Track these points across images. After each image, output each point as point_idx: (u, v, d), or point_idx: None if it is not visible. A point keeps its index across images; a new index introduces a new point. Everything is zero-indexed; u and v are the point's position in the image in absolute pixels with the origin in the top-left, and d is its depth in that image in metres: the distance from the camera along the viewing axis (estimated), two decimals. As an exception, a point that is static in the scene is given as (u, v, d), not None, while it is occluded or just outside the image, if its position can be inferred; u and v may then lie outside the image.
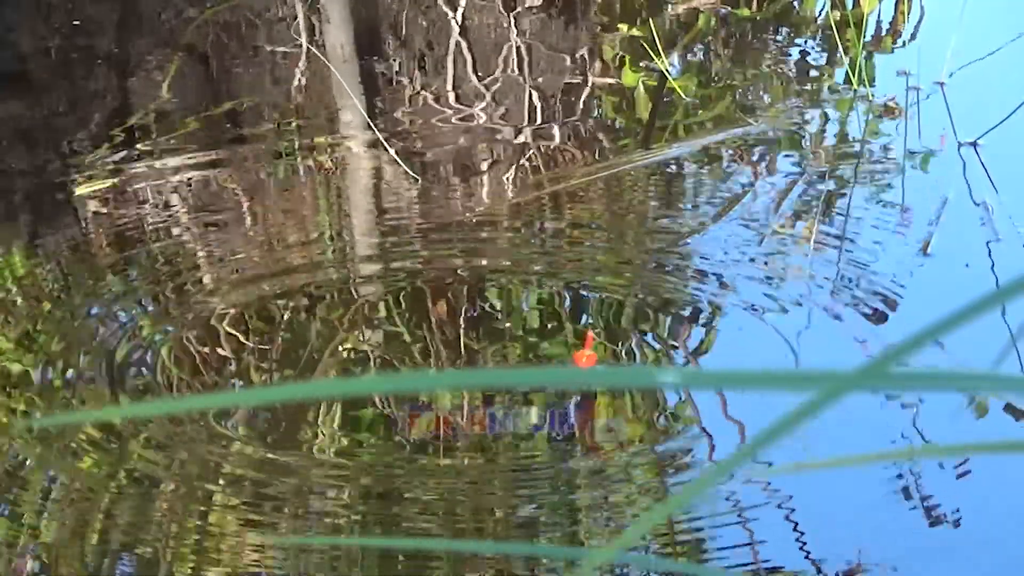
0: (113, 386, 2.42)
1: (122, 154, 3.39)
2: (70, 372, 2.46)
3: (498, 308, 2.70)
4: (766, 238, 2.93)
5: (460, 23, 4.39)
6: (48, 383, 2.43)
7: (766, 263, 2.83)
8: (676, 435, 2.29)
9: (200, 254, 2.92)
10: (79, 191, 3.14)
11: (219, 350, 2.54)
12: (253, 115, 3.69)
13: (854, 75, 3.71)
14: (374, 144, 3.47)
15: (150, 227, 3.04)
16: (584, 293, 2.75)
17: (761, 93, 3.83)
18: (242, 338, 2.58)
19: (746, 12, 4.46)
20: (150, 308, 2.71)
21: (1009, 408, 2.30)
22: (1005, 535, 2.03)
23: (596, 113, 3.70)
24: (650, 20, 4.18)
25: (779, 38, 4.36)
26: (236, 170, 3.33)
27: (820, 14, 4.48)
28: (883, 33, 4.25)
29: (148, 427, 2.28)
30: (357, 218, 3.10)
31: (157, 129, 3.57)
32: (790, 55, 4.19)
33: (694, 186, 3.25)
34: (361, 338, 2.59)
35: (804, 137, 3.49)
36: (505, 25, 4.37)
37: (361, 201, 3.18)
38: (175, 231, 3.03)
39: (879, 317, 2.61)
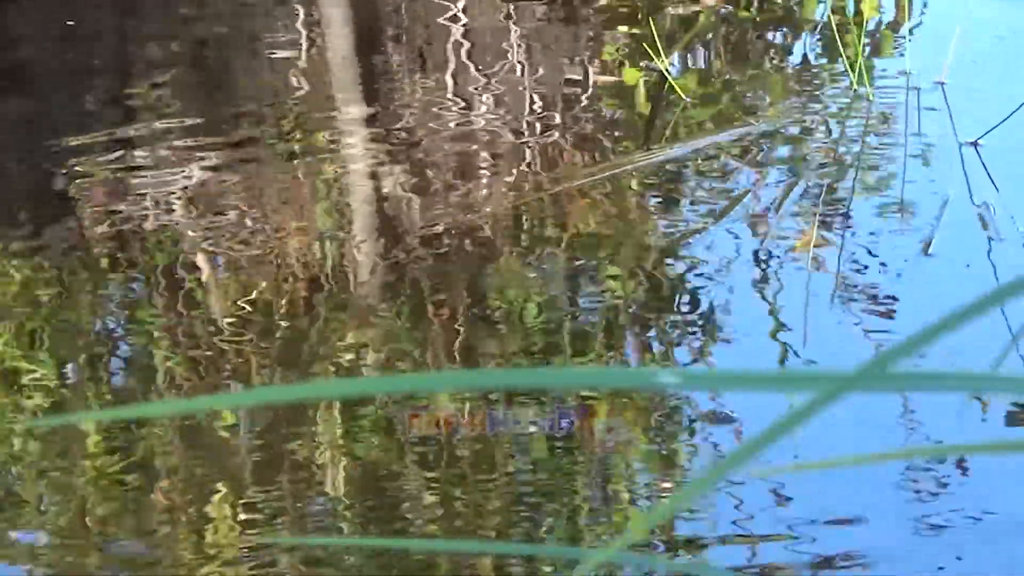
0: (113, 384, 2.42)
1: (119, 153, 3.38)
2: (70, 371, 2.46)
3: (498, 308, 2.69)
4: (766, 239, 2.93)
5: (460, 22, 4.39)
6: (48, 382, 2.43)
7: (766, 263, 2.83)
8: (676, 434, 2.29)
9: (199, 252, 2.92)
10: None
11: (219, 348, 2.54)
12: (253, 115, 3.68)
13: (854, 75, 3.70)
14: (370, 146, 3.47)
15: (150, 226, 3.03)
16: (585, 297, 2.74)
17: (761, 93, 3.82)
18: (241, 336, 2.58)
19: (746, 13, 4.46)
20: (147, 306, 2.71)
21: (1012, 409, 2.30)
22: (1005, 535, 2.03)
23: (596, 113, 3.69)
24: (650, 20, 4.18)
25: (779, 38, 4.36)
26: (235, 169, 3.33)
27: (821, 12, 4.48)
28: (883, 33, 4.25)
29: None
30: (356, 217, 3.10)
31: (155, 130, 3.56)
32: (790, 55, 4.19)
33: (694, 186, 3.25)
34: (360, 337, 2.58)
35: (804, 137, 3.49)
36: (505, 24, 4.37)
37: (359, 202, 3.18)
38: (174, 230, 3.03)
39: (879, 317, 2.61)
